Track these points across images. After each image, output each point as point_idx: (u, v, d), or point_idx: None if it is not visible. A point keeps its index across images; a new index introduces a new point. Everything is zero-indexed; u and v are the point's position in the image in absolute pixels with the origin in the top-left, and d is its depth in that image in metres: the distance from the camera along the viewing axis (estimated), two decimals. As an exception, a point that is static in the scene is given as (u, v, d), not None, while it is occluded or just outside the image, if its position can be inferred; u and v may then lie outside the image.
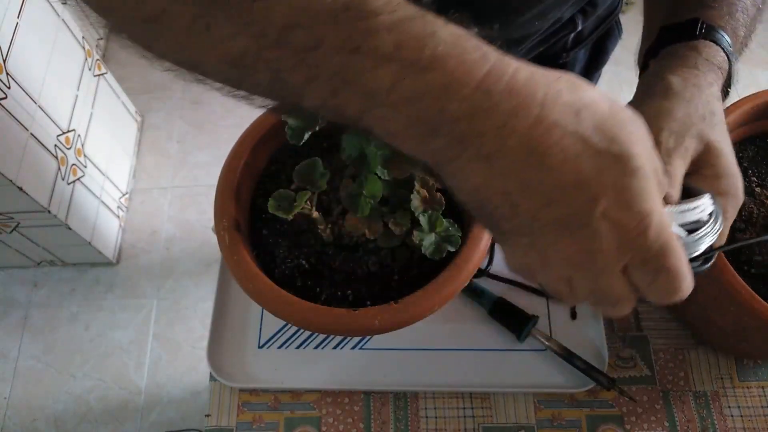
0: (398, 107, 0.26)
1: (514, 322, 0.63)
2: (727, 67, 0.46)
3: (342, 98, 0.26)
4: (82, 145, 1.46)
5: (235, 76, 0.28)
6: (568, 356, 0.60)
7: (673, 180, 0.40)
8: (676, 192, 0.39)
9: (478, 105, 0.25)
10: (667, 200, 0.37)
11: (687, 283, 0.29)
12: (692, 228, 0.34)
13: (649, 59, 0.49)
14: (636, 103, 0.45)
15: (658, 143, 0.41)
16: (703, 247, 0.34)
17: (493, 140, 0.26)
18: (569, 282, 0.30)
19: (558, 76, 0.27)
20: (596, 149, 0.26)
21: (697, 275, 0.32)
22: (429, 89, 0.25)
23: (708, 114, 0.43)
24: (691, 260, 0.33)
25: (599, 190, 0.26)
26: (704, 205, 0.35)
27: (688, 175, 0.42)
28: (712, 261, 0.37)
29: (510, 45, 0.38)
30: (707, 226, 0.34)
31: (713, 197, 0.36)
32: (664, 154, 0.41)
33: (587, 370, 0.60)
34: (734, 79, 0.48)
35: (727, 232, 0.42)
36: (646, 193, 0.27)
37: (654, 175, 0.28)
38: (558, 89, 0.26)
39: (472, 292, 0.65)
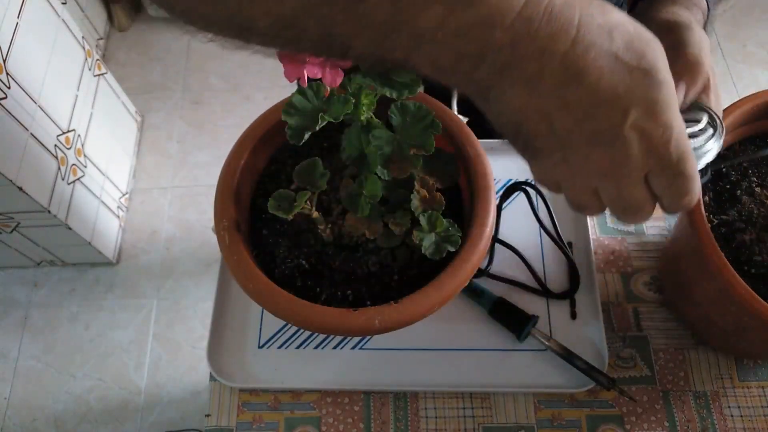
0: (446, 43, 0.27)
1: (514, 322, 0.63)
2: (707, 13, 0.53)
3: (390, 42, 0.27)
4: (82, 145, 1.46)
5: (284, 36, 0.29)
6: (568, 356, 0.60)
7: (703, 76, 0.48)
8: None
9: (521, 32, 0.27)
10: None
11: (698, 186, 0.33)
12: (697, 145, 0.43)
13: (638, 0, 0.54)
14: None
15: (684, 53, 0.48)
16: (704, 161, 0.42)
17: (535, 64, 0.28)
18: (595, 192, 0.34)
19: (589, 0, 0.29)
20: (628, 66, 0.28)
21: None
22: (474, 23, 0.26)
23: (706, 41, 0.50)
24: None
25: (631, 102, 0.29)
26: (709, 130, 0.43)
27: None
28: (708, 174, 0.48)
29: None
30: (710, 143, 0.43)
31: (713, 118, 0.45)
32: (695, 59, 0.48)
33: (587, 370, 0.60)
34: (710, 26, 0.54)
35: None
36: (671, 105, 0.30)
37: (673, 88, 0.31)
38: (590, 12, 0.28)
39: (472, 292, 0.65)
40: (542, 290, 0.66)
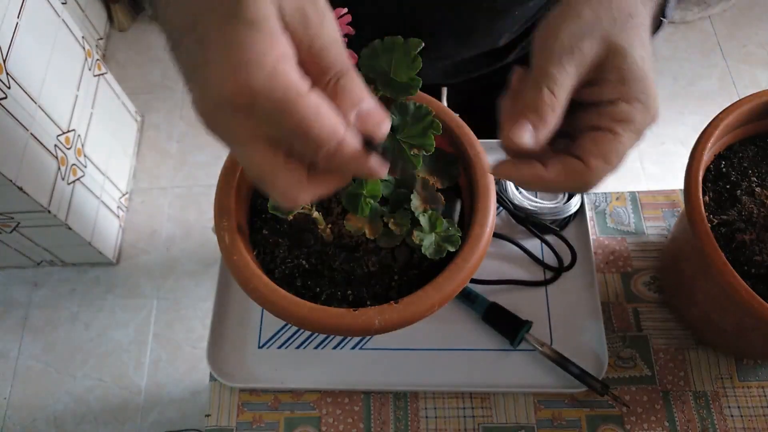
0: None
1: (508, 327, 0.62)
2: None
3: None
4: (82, 145, 1.46)
5: None
6: (562, 361, 0.60)
7: (558, 86, 0.37)
8: (558, 104, 0.37)
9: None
10: (541, 114, 0.38)
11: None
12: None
13: None
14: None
15: (550, 47, 0.38)
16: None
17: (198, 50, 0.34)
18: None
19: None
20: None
21: None
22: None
23: (623, 16, 0.39)
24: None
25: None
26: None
27: (591, 84, 0.39)
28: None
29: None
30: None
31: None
32: (556, 57, 0.37)
33: (581, 375, 0.59)
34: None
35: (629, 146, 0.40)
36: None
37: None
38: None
39: (466, 297, 0.64)
40: (541, 265, 0.65)
